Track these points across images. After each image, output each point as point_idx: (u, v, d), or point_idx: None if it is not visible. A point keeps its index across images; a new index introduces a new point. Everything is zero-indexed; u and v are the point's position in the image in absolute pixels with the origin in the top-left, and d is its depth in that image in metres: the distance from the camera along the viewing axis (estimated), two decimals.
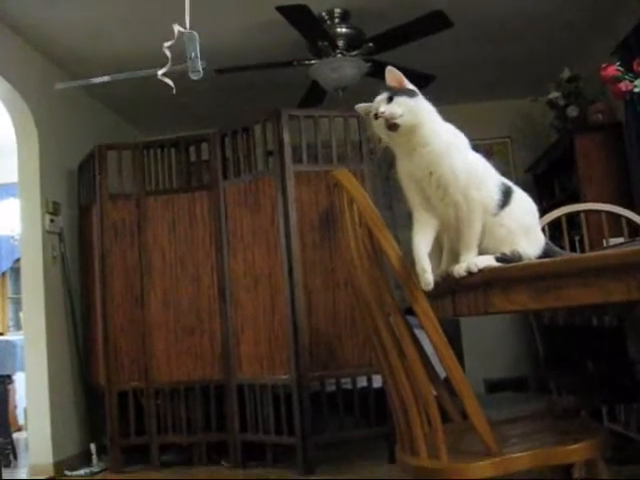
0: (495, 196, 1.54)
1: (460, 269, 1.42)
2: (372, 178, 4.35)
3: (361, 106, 1.67)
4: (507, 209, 1.55)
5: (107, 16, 4.55)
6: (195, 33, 2.88)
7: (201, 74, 2.90)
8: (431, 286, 1.47)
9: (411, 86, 1.60)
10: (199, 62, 2.87)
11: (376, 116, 1.58)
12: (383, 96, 1.59)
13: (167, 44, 2.79)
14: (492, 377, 6.46)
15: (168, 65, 2.83)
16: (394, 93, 1.57)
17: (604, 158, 5.02)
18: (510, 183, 1.61)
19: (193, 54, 2.86)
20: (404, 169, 1.60)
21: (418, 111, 1.56)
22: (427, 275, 1.47)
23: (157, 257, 4.65)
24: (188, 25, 2.92)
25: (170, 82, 2.87)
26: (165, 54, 2.86)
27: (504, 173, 1.63)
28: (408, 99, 1.56)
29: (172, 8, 4.07)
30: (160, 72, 2.84)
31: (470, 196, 1.52)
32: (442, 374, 1.68)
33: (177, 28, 2.84)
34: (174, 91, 2.86)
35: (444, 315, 1.62)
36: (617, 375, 2.61)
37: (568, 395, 2.98)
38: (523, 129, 6.70)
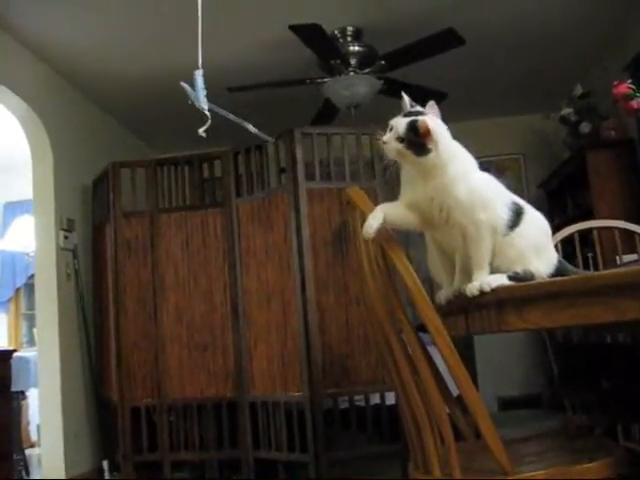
0: (504, 216, 1.54)
1: (473, 288, 1.42)
2: (385, 196, 4.35)
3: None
4: (518, 229, 1.54)
5: (123, 36, 4.59)
6: (198, 72, 3.01)
7: (202, 107, 3.03)
8: (370, 235, 1.52)
9: (431, 144, 1.52)
10: (205, 99, 3.01)
11: (391, 128, 1.58)
12: (402, 127, 1.55)
13: (202, 130, 2.98)
14: (505, 395, 6.43)
15: (208, 123, 3.00)
16: (407, 139, 1.53)
17: (617, 174, 5.01)
18: (522, 202, 1.61)
19: (201, 95, 2.99)
20: (408, 194, 1.60)
21: (412, 164, 1.55)
22: (370, 229, 1.52)
23: (170, 274, 4.66)
24: (200, 61, 3.04)
25: (204, 134, 3.02)
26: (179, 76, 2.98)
27: (516, 190, 1.63)
28: (411, 155, 1.53)
29: (186, 28, 4.12)
30: (201, 130, 3.00)
31: (477, 218, 1.52)
32: (455, 391, 1.67)
33: (184, 85, 2.98)
34: (204, 135, 3.00)
35: (457, 333, 1.62)
36: (632, 393, 2.59)
37: (582, 413, 2.96)
38: (536, 145, 6.70)
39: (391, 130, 1.57)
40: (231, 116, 3.18)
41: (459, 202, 1.52)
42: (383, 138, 1.58)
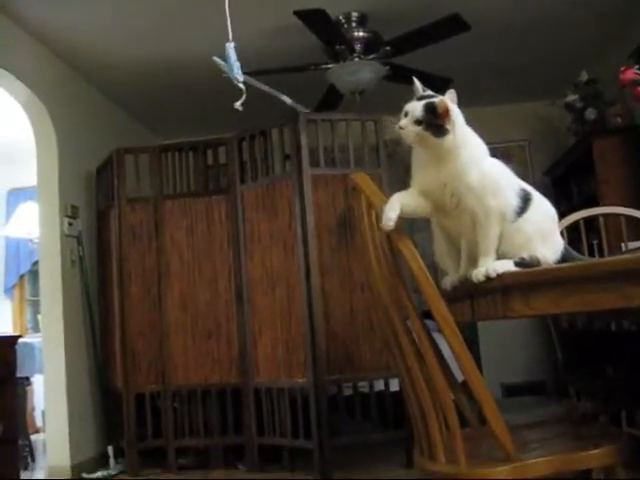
0: (513, 202, 1.53)
1: (479, 274, 1.42)
2: (390, 182, 4.34)
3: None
4: (525, 215, 1.54)
5: (126, 22, 4.57)
6: (229, 45, 2.99)
7: (237, 79, 3.01)
8: (390, 227, 1.49)
9: (449, 124, 1.51)
10: (240, 71, 2.99)
11: (406, 113, 1.56)
12: (418, 109, 1.53)
13: (238, 104, 2.96)
14: (510, 381, 6.43)
15: (243, 97, 3.00)
16: (426, 121, 1.52)
17: (622, 161, 4.98)
18: (530, 188, 1.60)
19: (235, 67, 2.97)
20: (420, 181, 1.60)
21: (431, 148, 1.54)
22: (389, 222, 1.49)
23: (174, 260, 4.67)
24: (231, 36, 3.03)
25: (241, 108, 3.02)
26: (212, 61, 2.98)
27: (521, 176, 1.63)
28: (430, 136, 1.52)
29: (189, 14, 4.11)
30: (237, 103, 3.01)
31: (487, 204, 1.51)
32: (460, 378, 1.67)
33: (217, 59, 2.97)
34: (240, 108, 2.99)
35: (463, 319, 1.61)
36: (636, 380, 2.59)
37: (587, 400, 2.96)
38: (541, 132, 6.67)
39: (406, 115, 1.56)
40: (266, 88, 3.15)
41: (471, 187, 1.52)
42: (400, 124, 1.56)
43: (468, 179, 1.52)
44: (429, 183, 1.57)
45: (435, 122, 1.51)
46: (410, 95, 1.60)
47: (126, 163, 4.85)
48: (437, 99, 1.53)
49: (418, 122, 1.53)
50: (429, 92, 1.59)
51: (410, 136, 1.55)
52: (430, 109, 1.52)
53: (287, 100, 3.28)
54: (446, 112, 1.51)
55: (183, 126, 6.60)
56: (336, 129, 4.36)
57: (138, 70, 5.35)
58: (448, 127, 1.51)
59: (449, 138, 1.52)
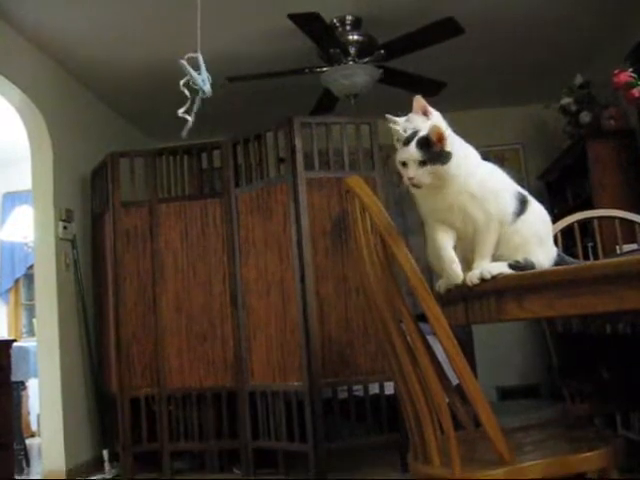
0: (511, 206, 1.54)
1: (473, 276, 1.42)
2: (384, 185, 4.34)
3: (391, 118, 1.63)
4: (522, 218, 1.54)
5: (121, 27, 4.57)
6: (199, 56, 2.98)
7: (209, 93, 3.00)
8: (462, 279, 1.48)
9: (448, 146, 1.50)
10: (207, 83, 2.98)
11: (404, 164, 1.53)
12: (414, 150, 1.50)
13: (180, 109, 2.97)
14: (505, 384, 6.44)
15: (188, 125, 3.00)
16: (429, 157, 1.48)
17: (617, 164, 4.99)
18: (525, 192, 1.61)
19: (200, 79, 2.97)
20: (424, 207, 1.60)
21: (445, 176, 1.50)
22: (459, 277, 1.49)
23: (169, 264, 4.66)
24: (199, 45, 3.01)
25: (190, 120, 3.02)
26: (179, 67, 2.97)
27: (516, 180, 1.63)
28: (440, 167, 1.49)
29: (186, 21, 4.11)
30: (180, 110, 3.01)
31: (487, 210, 1.52)
32: (454, 381, 1.67)
33: (184, 63, 2.95)
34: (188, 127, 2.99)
35: (456, 322, 1.61)
36: (631, 382, 2.59)
37: (581, 402, 2.97)
38: (535, 135, 6.68)
39: (405, 165, 1.53)
40: (194, 111, 3.15)
41: (473, 197, 1.52)
42: (407, 176, 1.52)
43: (468, 188, 1.52)
44: (441, 210, 1.56)
45: (436, 152, 1.49)
46: (403, 104, 1.59)
47: (121, 167, 4.85)
48: (425, 129, 1.50)
49: (422, 163, 1.49)
50: (408, 130, 1.57)
51: (424, 179, 1.51)
52: (424, 143, 1.50)
53: (188, 126, 3.29)
54: (441, 136, 1.48)
55: (178, 129, 6.58)
56: (330, 132, 4.36)
57: (133, 74, 5.35)
58: (448, 149, 1.49)
59: (454, 161, 1.49)
